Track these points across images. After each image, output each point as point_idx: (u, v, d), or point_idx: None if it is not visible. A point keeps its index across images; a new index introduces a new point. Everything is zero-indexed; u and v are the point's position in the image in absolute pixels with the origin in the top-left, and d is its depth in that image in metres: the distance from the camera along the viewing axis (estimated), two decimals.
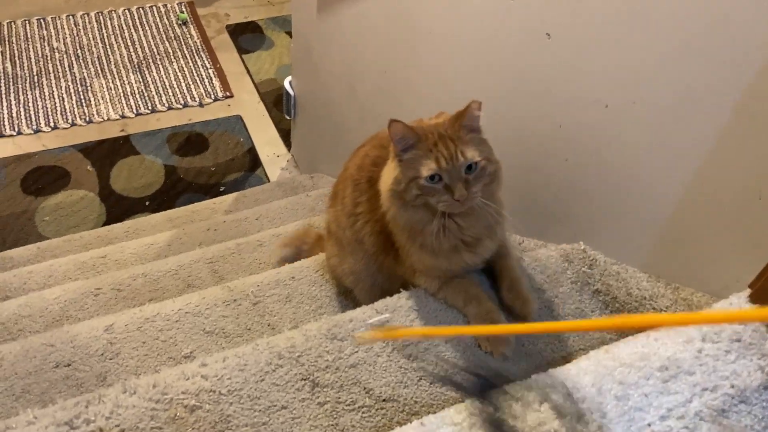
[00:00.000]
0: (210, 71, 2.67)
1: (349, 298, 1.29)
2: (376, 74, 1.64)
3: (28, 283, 1.61)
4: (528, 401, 0.72)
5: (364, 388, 0.95)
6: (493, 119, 1.29)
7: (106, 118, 2.45)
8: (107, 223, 2.15)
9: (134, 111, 2.48)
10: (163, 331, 1.19)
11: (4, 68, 2.54)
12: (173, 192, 2.27)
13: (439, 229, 0.94)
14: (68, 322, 1.34)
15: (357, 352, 0.99)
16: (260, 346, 0.99)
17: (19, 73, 2.54)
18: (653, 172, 1.02)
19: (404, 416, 0.93)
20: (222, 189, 2.31)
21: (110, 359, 1.14)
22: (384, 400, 0.94)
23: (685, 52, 0.89)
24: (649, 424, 0.70)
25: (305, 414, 0.92)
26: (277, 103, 2.59)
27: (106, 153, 2.34)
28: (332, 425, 0.92)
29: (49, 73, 2.56)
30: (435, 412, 0.77)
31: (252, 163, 2.40)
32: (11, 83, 2.50)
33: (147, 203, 2.23)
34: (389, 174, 0.96)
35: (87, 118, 2.43)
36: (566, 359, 0.96)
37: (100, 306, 1.39)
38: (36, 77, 2.53)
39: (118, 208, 2.19)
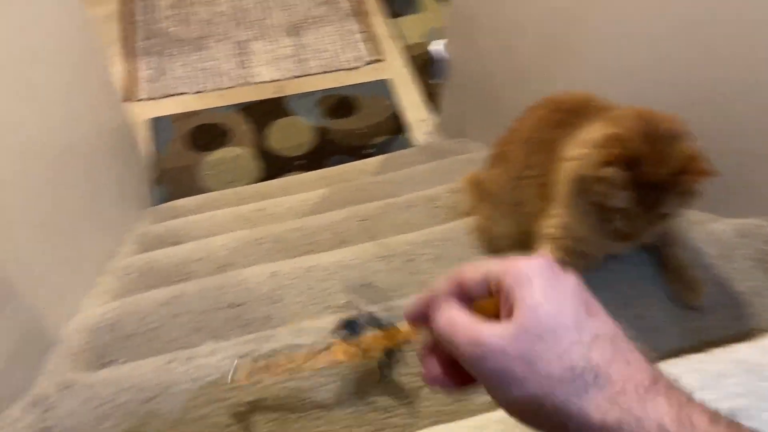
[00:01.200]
0: (361, 35, 2.71)
1: None
2: (537, 38, 1.59)
3: (195, 231, 1.74)
4: None
5: None
6: (665, 82, 1.22)
7: (263, 80, 2.57)
8: (262, 179, 2.26)
9: (289, 73, 2.58)
10: (322, 281, 1.24)
11: (174, 31, 2.73)
12: (323, 153, 2.35)
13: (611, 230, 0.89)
14: (232, 268, 1.43)
15: None
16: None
17: (186, 36, 2.71)
18: None
19: None
20: (369, 151, 2.36)
21: (275, 303, 1.21)
22: None
23: None
24: None
25: None
26: (426, 67, 2.59)
27: (263, 113, 2.46)
28: None
29: (213, 36, 2.71)
30: None
31: (398, 126, 2.43)
32: (180, 45, 2.68)
33: (298, 163, 2.32)
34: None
35: (246, 80, 2.56)
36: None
37: (261, 255, 1.48)
38: (201, 40, 2.70)
39: (272, 166, 2.31)
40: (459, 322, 0.44)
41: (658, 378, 0.41)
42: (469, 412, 0.75)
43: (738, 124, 1.08)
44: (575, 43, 1.46)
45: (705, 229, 1.09)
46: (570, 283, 0.44)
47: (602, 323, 0.43)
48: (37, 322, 1.08)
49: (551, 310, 0.42)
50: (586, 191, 0.87)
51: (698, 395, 0.67)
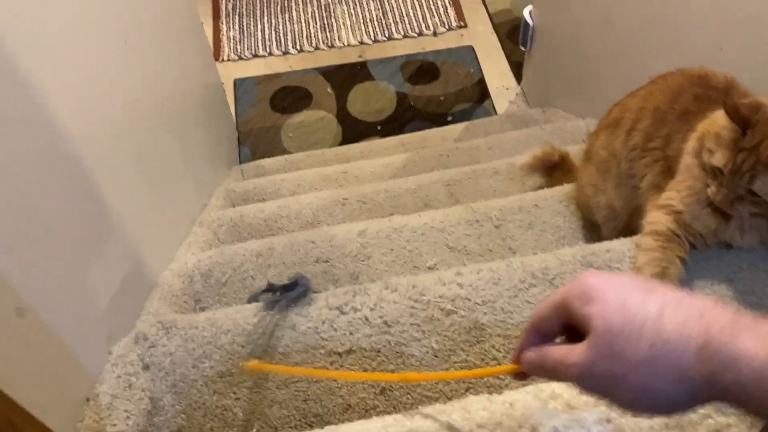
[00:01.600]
0: (446, 0, 2.67)
1: (593, 232, 1.25)
2: (638, 11, 1.53)
3: (281, 189, 1.77)
4: None
5: None
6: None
7: (346, 44, 2.57)
8: (343, 143, 2.28)
9: (372, 38, 2.57)
10: (410, 242, 1.24)
11: None
12: (403, 119, 2.34)
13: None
14: (318, 226, 1.46)
15: None
16: (514, 264, 1.00)
17: None
18: None
19: None
20: (450, 119, 2.33)
21: (362, 261, 1.22)
22: None
23: None
24: None
25: None
26: (511, 34, 2.53)
27: (345, 77, 2.47)
28: None
29: None
30: None
31: (481, 94, 2.39)
32: (265, 7, 2.70)
33: (379, 128, 2.32)
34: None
35: (329, 43, 2.57)
36: None
37: (346, 214, 1.50)
38: (286, 2, 2.72)
39: (353, 130, 2.31)
40: (548, 354, 0.49)
41: (737, 318, 0.41)
42: None
43: None
44: (678, 18, 1.40)
45: None
46: (623, 277, 0.47)
47: (662, 295, 0.44)
48: (139, 265, 1.12)
49: (617, 306, 0.44)
50: (701, 147, 0.85)
51: None
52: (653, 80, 1.10)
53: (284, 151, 2.26)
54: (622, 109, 1.13)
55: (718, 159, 0.82)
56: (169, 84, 1.49)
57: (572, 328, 0.48)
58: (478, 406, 0.64)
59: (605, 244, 1.01)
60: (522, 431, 0.61)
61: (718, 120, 0.84)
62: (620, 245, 1.00)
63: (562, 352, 0.47)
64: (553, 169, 1.44)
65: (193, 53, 1.79)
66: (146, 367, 0.93)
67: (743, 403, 0.40)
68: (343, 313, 0.96)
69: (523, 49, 2.22)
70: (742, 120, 0.79)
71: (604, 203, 1.14)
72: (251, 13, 2.69)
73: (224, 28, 2.65)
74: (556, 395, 0.64)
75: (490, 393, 0.71)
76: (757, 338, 0.39)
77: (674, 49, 1.44)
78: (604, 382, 0.45)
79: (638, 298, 0.44)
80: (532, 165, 1.43)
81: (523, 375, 0.54)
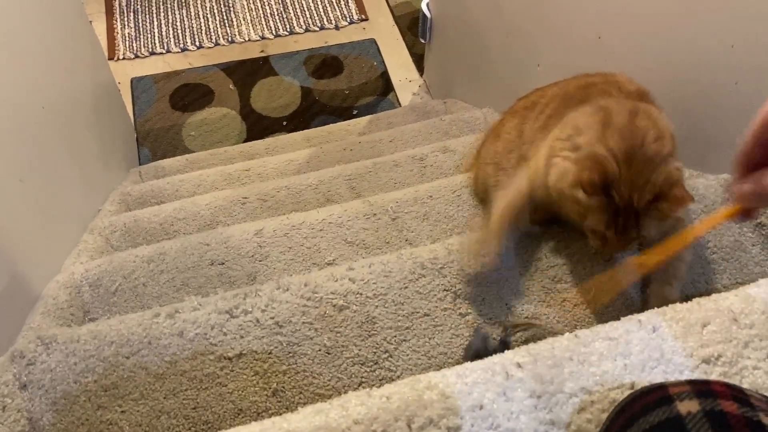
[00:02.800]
0: None
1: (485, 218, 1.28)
2: None
3: (180, 191, 1.72)
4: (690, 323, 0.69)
5: (506, 304, 0.95)
6: (652, 36, 1.21)
7: (247, 39, 2.52)
8: (247, 140, 2.24)
9: (273, 32, 2.54)
10: (308, 239, 1.23)
11: None
12: (309, 113, 2.33)
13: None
14: (217, 227, 1.42)
15: (500, 270, 0.98)
16: (404, 256, 1.01)
17: None
18: None
19: (548, 334, 0.92)
20: (355, 112, 2.34)
21: (259, 261, 1.20)
22: (526, 317, 0.94)
23: None
24: None
25: (447, 323, 0.94)
26: (412, 26, 2.55)
27: (247, 73, 2.43)
28: (473, 336, 0.93)
29: None
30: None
31: (385, 87, 2.40)
32: (161, 3, 2.62)
33: (284, 123, 2.30)
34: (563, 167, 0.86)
35: (230, 38, 2.52)
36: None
37: (247, 214, 1.47)
38: None
39: (258, 127, 2.28)
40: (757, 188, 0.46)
41: None
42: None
43: (730, 84, 1.07)
44: (560, 7, 1.44)
45: (690, 184, 1.09)
46: None
47: None
48: (19, 278, 1.06)
49: None
50: (564, 204, 0.87)
51: (680, 343, 0.68)
52: (582, 75, 1.12)
53: (186, 151, 2.20)
54: (539, 94, 1.15)
55: (598, 224, 0.82)
56: (53, 86, 1.42)
57: None
58: (355, 402, 0.64)
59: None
60: (398, 424, 0.61)
61: (568, 175, 0.84)
62: None
63: None
64: None
65: (80, 53, 1.71)
66: (24, 387, 0.88)
67: None
68: (233, 316, 0.94)
69: (422, 41, 2.25)
70: (602, 188, 0.79)
71: (502, 183, 1.16)
72: (147, 9, 2.60)
73: (119, 25, 2.55)
74: (432, 385, 0.65)
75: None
76: None
77: (559, 37, 1.49)
78: None
79: None
80: None
81: (746, 212, 0.52)
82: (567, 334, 0.71)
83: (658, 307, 0.76)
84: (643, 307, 0.92)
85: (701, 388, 0.52)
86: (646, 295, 0.93)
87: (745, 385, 0.64)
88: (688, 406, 0.50)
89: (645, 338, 0.68)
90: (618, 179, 0.78)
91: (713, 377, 0.64)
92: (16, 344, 0.94)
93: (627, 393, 0.60)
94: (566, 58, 1.47)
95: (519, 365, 0.66)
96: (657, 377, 0.65)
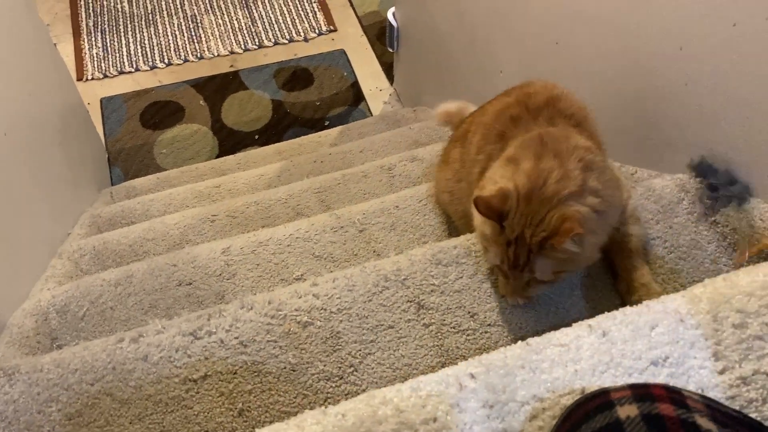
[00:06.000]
0: (314, 5, 2.68)
1: (452, 227, 1.29)
2: (486, 2, 1.59)
3: (150, 210, 1.72)
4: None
5: (469, 312, 0.96)
6: (605, 40, 1.23)
7: (216, 54, 2.52)
8: (219, 155, 2.24)
9: (242, 47, 2.54)
10: (276, 255, 1.24)
11: (122, 7, 2.66)
12: (281, 126, 2.33)
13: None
14: (188, 246, 1.42)
15: (461, 278, 0.99)
16: (367, 269, 1.02)
17: (135, 11, 2.65)
18: None
19: (509, 341, 0.93)
20: (327, 123, 2.34)
21: (227, 279, 1.20)
22: (489, 325, 0.95)
23: None
24: None
25: (411, 334, 0.95)
26: (380, 36, 2.57)
27: (217, 88, 2.43)
28: (437, 345, 0.94)
29: (162, 11, 2.65)
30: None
31: (355, 97, 2.41)
32: (128, 22, 2.61)
33: (256, 137, 2.30)
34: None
35: (198, 54, 2.52)
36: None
37: (216, 231, 1.47)
38: (150, 15, 2.64)
39: (230, 142, 2.28)
40: None
41: None
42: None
43: (681, 86, 1.09)
44: (519, 12, 1.46)
45: (647, 185, 1.10)
46: None
47: None
48: None
49: None
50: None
51: (629, 346, 0.69)
52: (499, 94, 1.14)
53: (159, 169, 2.20)
54: (468, 121, 1.18)
55: (494, 258, 0.85)
56: (16, 112, 1.42)
57: None
58: (311, 421, 0.65)
59: (452, 241, 1.04)
60: None
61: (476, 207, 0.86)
62: (466, 240, 1.04)
63: None
64: None
65: (45, 76, 1.70)
66: None
67: None
68: (197, 338, 0.94)
69: (390, 50, 2.26)
70: (495, 214, 0.82)
71: (460, 211, 1.17)
72: (114, 28, 2.59)
73: (86, 46, 2.54)
74: (387, 400, 0.66)
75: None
76: None
77: (519, 43, 1.50)
78: None
79: None
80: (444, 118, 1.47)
81: None
82: (519, 342, 0.72)
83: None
84: (625, 296, 0.96)
85: (640, 392, 0.53)
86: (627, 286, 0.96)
87: (691, 386, 0.65)
88: (627, 411, 0.51)
89: (595, 343, 0.69)
90: (514, 211, 0.81)
91: (660, 379, 0.65)
92: None
93: (573, 401, 0.61)
94: (526, 64, 1.49)
95: (472, 376, 0.67)
96: (607, 381, 0.66)
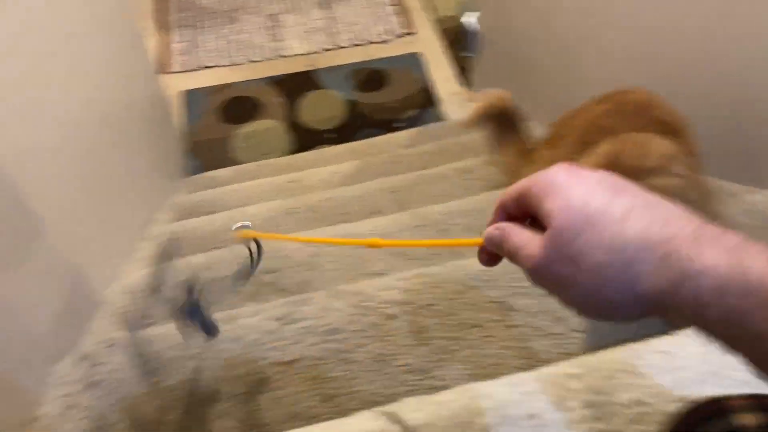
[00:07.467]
0: (392, 8, 2.70)
1: None
2: (573, 9, 1.58)
3: (229, 201, 1.77)
4: None
5: (556, 317, 0.96)
6: (700, 49, 1.20)
7: (294, 53, 2.58)
8: (294, 152, 2.28)
9: (320, 46, 2.59)
10: (356, 249, 1.26)
11: (206, 4, 2.74)
12: (353, 126, 2.36)
13: None
14: None
15: None
16: (455, 268, 1.03)
17: (218, 8, 2.73)
18: None
19: (597, 348, 0.93)
20: (399, 125, 2.36)
21: (310, 270, 1.23)
22: (576, 331, 0.95)
23: None
24: None
25: (497, 334, 0.95)
26: (457, 40, 2.58)
27: (294, 86, 2.48)
28: (523, 347, 0.94)
29: (245, 9, 2.72)
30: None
31: (429, 100, 2.42)
32: (212, 18, 2.69)
33: (329, 135, 2.34)
34: None
35: (277, 53, 2.57)
36: None
37: (295, 224, 1.51)
38: (233, 12, 2.71)
39: (304, 139, 2.32)
40: (509, 235, 0.47)
41: (702, 230, 0.39)
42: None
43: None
44: (611, 15, 1.45)
45: (742, 200, 1.08)
46: (594, 175, 0.44)
47: (632, 197, 0.42)
48: (82, 284, 1.11)
49: (579, 205, 0.42)
50: None
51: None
52: (593, 98, 1.13)
53: (234, 162, 2.25)
54: (560, 124, 1.17)
55: None
56: (109, 99, 1.48)
57: (535, 218, 0.46)
58: (413, 407, 0.66)
59: None
60: (453, 430, 0.63)
61: None
62: None
63: (522, 238, 0.46)
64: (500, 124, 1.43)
65: (133, 67, 1.78)
66: (90, 386, 0.93)
67: (696, 319, 0.38)
68: (287, 323, 0.97)
69: (468, 55, 2.27)
70: None
71: None
72: (198, 24, 2.68)
73: (171, 40, 2.63)
74: (487, 394, 0.66)
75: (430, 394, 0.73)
76: (718, 250, 0.37)
77: (607, 51, 1.49)
78: (556, 282, 0.43)
79: (604, 197, 0.42)
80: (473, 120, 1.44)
81: (486, 253, 0.51)
82: (620, 347, 0.72)
83: None
84: None
85: (760, 402, 0.52)
86: None
87: None
88: (745, 419, 0.51)
89: (700, 352, 0.68)
90: None
91: None
92: (81, 346, 0.98)
93: (682, 406, 0.60)
94: (615, 73, 1.47)
95: (572, 376, 0.67)
96: (713, 391, 0.65)
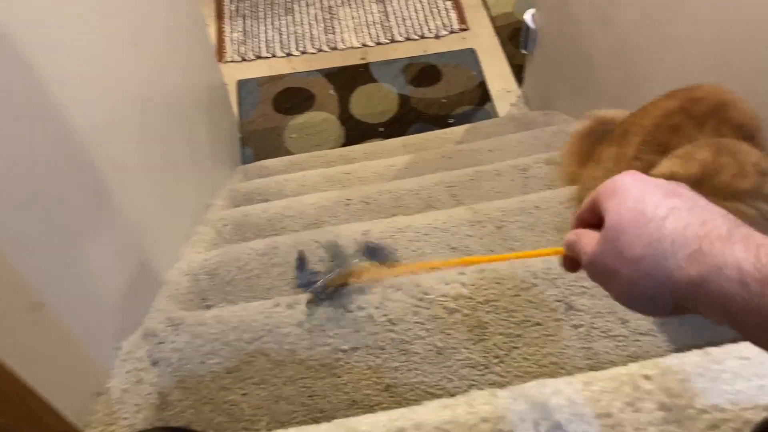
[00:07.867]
0: (447, 3, 2.69)
1: None
2: (635, 9, 1.55)
3: (284, 189, 1.78)
4: None
5: (621, 319, 0.95)
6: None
7: (348, 46, 2.59)
8: (345, 144, 2.30)
9: (374, 40, 2.59)
10: (413, 242, 1.26)
11: None
12: (405, 120, 2.36)
13: None
14: (321, 226, 1.47)
15: None
16: (516, 264, 1.02)
17: (274, 0, 2.76)
18: None
19: (662, 352, 0.91)
20: (451, 121, 2.35)
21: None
22: (641, 333, 0.93)
23: None
24: None
25: (559, 333, 0.94)
26: (512, 37, 2.55)
27: (347, 79, 2.49)
28: (585, 348, 0.93)
29: (301, 1, 2.74)
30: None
31: (482, 97, 2.41)
32: (268, 9, 2.72)
33: (381, 129, 2.34)
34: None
35: (332, 45, 2.59)
36: None
37: (349, 214, 1.51)
38: (289, 4, 2.74)
39: (356, 132, 2.33)
40: (579, 238, 0.51)
41: (734, 229, 0.42)
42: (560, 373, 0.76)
43: None
44: (676, 15, 1.41)
45: None
46: (653, 180, 0.48)
47: (680, 200, 0.45)
48: (146, 263, 1.14)
49: (631, 204, 0.45)
50: None
51: None
52: (661, 96, 1.11)
53: (287, 152, 2.28)
54: (628, 121, 1.14)
55: None
56: (176, 84, 1.51)
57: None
58: (481, 401, 0.66)
59: None
60: (524, 425, 0.63)
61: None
62: None
63: (586, 238, 0.49)
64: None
65: (197, 54, 1.81)
66: (155, 363, 0.95)
67: (724, 312, 0.40)
68: (348, 311, 0.97)
69: (524, 52, 2.24)
70: None
71: None
72: (254, 14, 2.71)
73: (227, 29, 2.67)
74: (558, 391, 0.66)
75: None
76: (747, 246, 0.40)
77: (672, 48, 1.45)
78: (604, 274, 0.47)
79: (656, 198, 0.45)
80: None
81: (569, 260, 0.55)
82: (695, 350, 0.70)
83: None
84: None
85: None
86: None
87: None
88: None
89: None
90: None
91: None
92: (146, 324, 1.01)
93: (763, 414, 0.59)
94: (681, 71, 1.44)
95: (647, 377, 0.66)
96: None
